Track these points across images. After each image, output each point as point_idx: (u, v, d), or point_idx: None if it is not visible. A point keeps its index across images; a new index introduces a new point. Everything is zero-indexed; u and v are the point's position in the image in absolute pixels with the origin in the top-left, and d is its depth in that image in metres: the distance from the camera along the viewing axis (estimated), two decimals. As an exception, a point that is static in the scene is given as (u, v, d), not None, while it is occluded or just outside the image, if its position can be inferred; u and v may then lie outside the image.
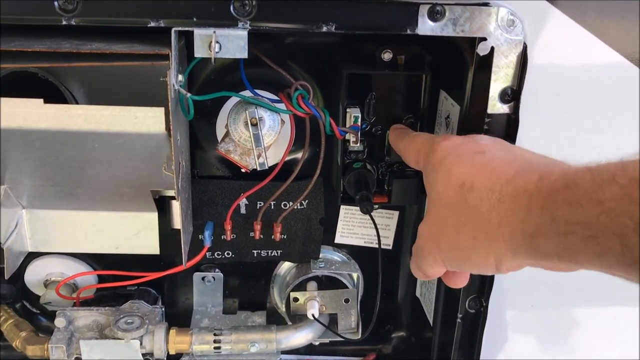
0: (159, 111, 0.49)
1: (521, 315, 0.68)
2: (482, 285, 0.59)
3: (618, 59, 0.52)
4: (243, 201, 0.66)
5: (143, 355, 0.62)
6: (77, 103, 0.59)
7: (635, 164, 0.32)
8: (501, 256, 0.42)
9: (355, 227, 0.71)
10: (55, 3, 0.47)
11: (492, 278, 0.59)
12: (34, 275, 0.69)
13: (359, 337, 0.67)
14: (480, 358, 0.64)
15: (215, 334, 0.64)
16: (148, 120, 0.49)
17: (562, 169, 0.38)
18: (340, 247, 0.72)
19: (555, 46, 0.52)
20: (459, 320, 0.61)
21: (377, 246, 0.70)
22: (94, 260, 0.70)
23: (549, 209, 0.36)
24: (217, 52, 0.48)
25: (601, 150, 0.55)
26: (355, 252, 0.72)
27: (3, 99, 0.49)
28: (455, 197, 0.44)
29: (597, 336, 0.73)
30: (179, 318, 0.70)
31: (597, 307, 0.71)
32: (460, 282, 0.51)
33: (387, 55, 0.60)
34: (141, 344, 0.62)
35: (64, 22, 0.48)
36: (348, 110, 0.60)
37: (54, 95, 0.57)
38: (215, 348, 0.63)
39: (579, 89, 0.53)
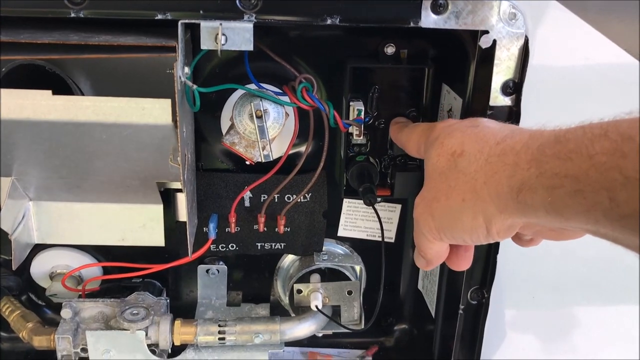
0: (166, 103, 0.50)
1: (522, 314, 0.69)
2: (484, 276, 0.60)
3: (619, 52, 0.53)
4: (247, 194, 0.67)
5: (148, 346, 0.63)
6: (83, 95, 0.59)
7: (628, 122, 0.33)
8: (489, 215, 0.42)
9: (358, 220, 0.71)
10: (64, -5, 0.48)
11: (493, 268, 0.59)
12: (39, 267, 0.70)
13: (362, 328, 0.68)
14: (482, 357, 0.64)
15: (219, 325, 0.64)
16: (155, 111, 0.50)
17: (554, 129, 0.39)
18: (343, 239, 0.73)
19: (556, 39, 0.53)
20: (460, 311, 0.62)
21: (379, 239, 0.71)
22: (99, 252, 0.70)
23: (536, 163, 0.37)
24: (223, 45, 0.49)
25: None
26: (358, 245, 0.73)
27: (12, 90, 0.49)
28: (446, 164, 0.45)
29: (598, 335, 0.73)
30: (183, 310, 0.71)
31: (598, 306, 0.72)
32: (463, 264, 0.51)
33: (390, 49, 0.61)
34: (146, 334, 0.63)
35: (72, 15, 0.48)
36: (351, 103, 0.60)
37: (60, 87, 0.58)
38: (219, 339, 0.64)
39: (580, 81, 0.54)
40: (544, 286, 0.71)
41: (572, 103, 0.55)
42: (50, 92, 0.50)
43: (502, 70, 0.52)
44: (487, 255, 0.59)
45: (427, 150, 0.49)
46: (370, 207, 0.61)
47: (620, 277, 0.68)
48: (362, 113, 0.60)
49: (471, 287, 0.61)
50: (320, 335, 0.71)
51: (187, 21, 0.49)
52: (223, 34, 0.49)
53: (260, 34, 0.51)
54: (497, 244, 0.58)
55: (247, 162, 0.60)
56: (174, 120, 0.50)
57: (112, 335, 0.62)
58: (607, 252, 0.61)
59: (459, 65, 0.56)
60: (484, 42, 0.52)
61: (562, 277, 0.68)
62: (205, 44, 0.49)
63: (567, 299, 0.71)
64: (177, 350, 0.67)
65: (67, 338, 0.62)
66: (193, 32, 0.54)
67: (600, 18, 0.53)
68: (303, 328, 0.66)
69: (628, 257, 0.60)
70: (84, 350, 0.63)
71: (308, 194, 0.68)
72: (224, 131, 0.64)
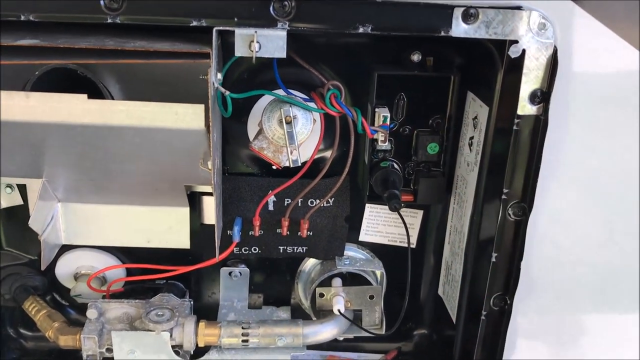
0: (199, 108, 0.50)
1: (531, 320, 0.69)
2: (507, 283, 0.61)
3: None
4: (271, 198, 0.67)
5: (172, 347, 0.64)
6: (113, 99, 0.60)
7: None
8: None
9: (379, 225, 0.72)
10: (102, 2, 0.48)
11: (517, 276, 0.60)
12: (64, 268, 0.71)
13: (384, 332, 0.69)
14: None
15: (243, 327, 0.65)
16: (188, 116, 0.51)
17: None
18: (364, 244, 0.73)
19: (585, 49, 0.53)
20: (483, 317, 0.62)
21: (400, 244, 0.72)
22: (123, 253, 0.71)
23: None
24: (257, 52, 0.50)
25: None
26: (379, 250, 0.73)
27: (48, 94, 0.50)
28: None
29: (608, 342, 0.73)
30: (205, 312, 0.72)
31: (607, 313, 0.72)
32: None
33: (416, 57, 0.61)
34: (171, 336, 0.63)
35: (109, 20, 0.49)
36: (377, 110, 0.61)
37: (91, 91, 0.59)
38: (243, 341, 0.65)
39: (607, 90, 0.54)
40: (555, 292, 0.71)
41: (602, 112, 0.55)
42: (85, 96, 0.50)
43: (531, 80, 0.53)
44: (511, 262, 0.60)
45: None
46: (395, 212, 0.61)
47: (631, 284, 0.68)
48: (388, 119, 0.61)
49: (494, 294, 0.61)
50: (340, 339, 0.72)
51: (221, 28, 0.50)
52: (257, 42, 0.49)
53: (288, 40, 0.52)
54: (521, 251, 0.59)
55: (274, 167, 0.60)
56: (207, 125, 0.51)
57: (137, 336, 0.63)
58: (618, 259, 0.62)
59: (485, 73, 0.57)
60: (513, 52, 0.52)
61: (571, 283, 0.68)
62: (240, 50, 0.50)
63: (576, 305, 0.71)
64: (199, 351, 0.67)
65: (92, 338, 0.63)
66: (224, 38, 0.55)
67: (628, 26, 0.53)
68: (325, 332, 0.67)
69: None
70: (109, 350, 0.64)
71: (331, 199, 0.68)
72: (250, 136, 0.64)
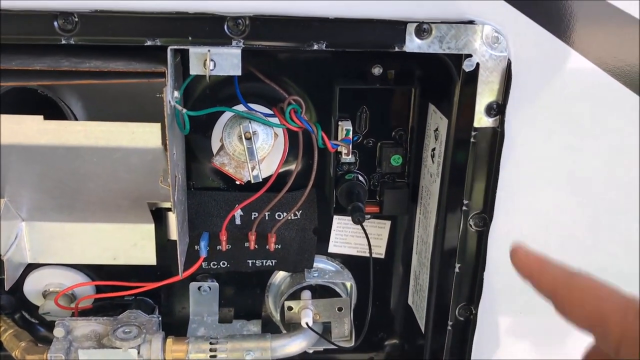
0: (156, 127, 0.51)
1: (515, 321, 0.70)
2: (472, 293, 0.61)
3: (599, 72, 0.54)
4: (238, 212, 0.68)
5: (140, 364, 0.64)
6: (75, 118, 0.60)
7: None
8: None
9: (348, 236, 0.72)
10: (55, 23, 0.49)
11: (480, 286, 0.60)
12: (32, 286, 0.71)
13: (352, 344, 0.69)
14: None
15: (211, 343, 0.65)
16: (145, 135, 0.51)
17: None
18: (334, 256, 0.73)
19: (539, 62, 0.54)
20: (449, 327, 0.63)
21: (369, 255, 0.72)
22: (92, 270, 0.71)
23: None
24: (211, 70, 0.50)
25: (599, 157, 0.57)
26: (348, 261, 0.74)
27: (4, 116, 0.50)
28: None
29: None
30: (175, 327, 0.72)
31: None
32: None
33: (377, 70, 0.62)
34: (139, 352, 0.63)
35: (63, 42, 0.49)
36: (340, 123, 0.61)
37: (52, 110, 0.59)
38: (211, 356, 0.65)
39: (563, 102, 0.55)
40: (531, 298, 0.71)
41: (555, 123, 0.56)
42: (41, 117, 0.51)
43: (486, 92, 0.53)
44: (475, 273, 0.60)
45: None
46: (358, 224, 0.62)
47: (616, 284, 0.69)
48: (351, 132, 0.61)
49: (459, 304, 0.62)
50: (311, 351, 0.72)
51: (176, 47, 0.50)
52: (211, 60, 0.50)
53: (249, 55, 0.52)
54: (483, 261, 0.59)
55: (237, 182, 0.61)
56: (164, 143, 0.51)
57: (104, 354, 0.63)
58: (604, 260, 0.63)
59: (444, 86, 0.57)
60: (468, 66, 0.53)
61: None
62: (194, 69, 0.50)
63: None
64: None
65: (59, 357, 0.63)
66: (183, 55, 0.55)
67: (581, 40, 0.54)
68: (294, 345, 0.67)
69: (624, 264, 0.61)
70: (77, 368, 0.64)
71: (298, 212, 0.68)
72: (214, 151, 0.65)
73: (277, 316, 0.73)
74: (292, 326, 0.70)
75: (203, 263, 0.69)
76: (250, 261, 0.70)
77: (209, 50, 0.49)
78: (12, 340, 0.66)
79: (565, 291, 0.30)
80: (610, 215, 0.61)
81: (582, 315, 0.29)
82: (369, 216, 0.68)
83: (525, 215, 0.59)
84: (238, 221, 0.68)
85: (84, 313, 0.69)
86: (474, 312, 0.62)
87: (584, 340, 0.32)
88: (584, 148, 0.58)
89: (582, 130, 0.57)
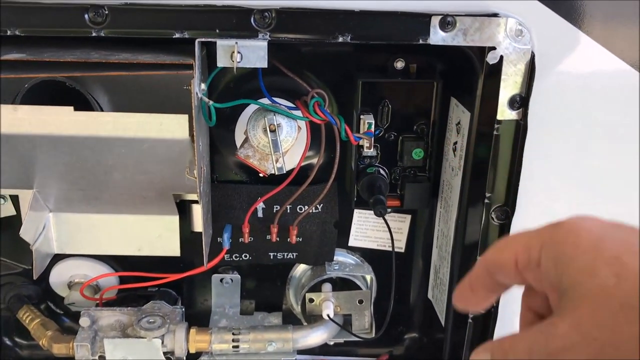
0: (183, 118, 0.51)
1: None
2: (493, 286, 0.61)
3: (623, 66, 0.54)
4: (260, 205, 0.68)
5: (164, 353, 0.64)
6: (101, 110, 0.61)
7: None
8: None
9: (368, 230, 0.73)
10: (86, 16, 0.50)
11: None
12: (58, 276, 0.72)
13: (373, 336, 0.69)
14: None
15: (233, 334, 0.66)
16: (173, 126, 0.52)
17: None
18: (354, 249, 0.74)
19: (563, 55, 0.54)
20: (470, 320, 0.63)
21: (389, 249, 0.72)
22: (116, 262, 0.72)
23: None
24: (238, 62, 0.51)
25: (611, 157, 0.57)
26: (368, 255, 0.74)
27: (36, 107, 0.51)
28: None
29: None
30: (197, 319, 0.73)
31: None
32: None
33: (399, 64, 0.62)
34: (163, 342, 0.64)
35: (94, 34, 0.50)
36: (362, 116, 0.62)
37: (80, 102, 0.60)
38: (233, 347, 0.66)
39: (587, 96, 0.55)
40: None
41: (579, 117, 0.56)
42: (72, 108, 0.52)
43: (509, 85, 0.54)
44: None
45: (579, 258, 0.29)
46: (381, 217, 0.62)
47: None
48: (373, 126, 0.61)
49: (480, 297, 0.62)
50: (331, 343, 0.72)
51: (203, 39, 0.51)
52: (238, 52, 0.50)
53: (273, 49, 0.53)
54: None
55: (261, 175, 0.61)
56: (191, 134, 0.52)
57: (129, 343, 0.64)
58: None
59: (467, 79, 0.58)
60: (491, 58, 0.53)
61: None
62: (221, 61, 0.51)
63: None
64: (191, 357, 0.68)
65: (85, 346, 0.64)
66: (209, 48, 0.56)
67: (605, 34, 0.54)
68: (315, 336, 0.68)
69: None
70: (102, 357, 0.65)
71: (319, 205, 0.69)
72: (238, 144, 0.65)
73: (297, 308, 0.73)
74: (313, 318, 0.70)
75: (225, 255, 0.70)
76: (271, 254, 0.71)
77: (236, 43, 0.50)
78: (39, 329, 0.68)
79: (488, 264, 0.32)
80: (631, 214, 0.60)
81: (505, 271, 0.31)
82: (390, 210, 0.69)
83: (545, 208, 0.59)
84: (260, 214, 0.69)
85: (108, 304, 0.70)
86: (495, 305, 0.62)
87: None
88: (606, 144, 0.58)
89: (605, 125, 0.57)
